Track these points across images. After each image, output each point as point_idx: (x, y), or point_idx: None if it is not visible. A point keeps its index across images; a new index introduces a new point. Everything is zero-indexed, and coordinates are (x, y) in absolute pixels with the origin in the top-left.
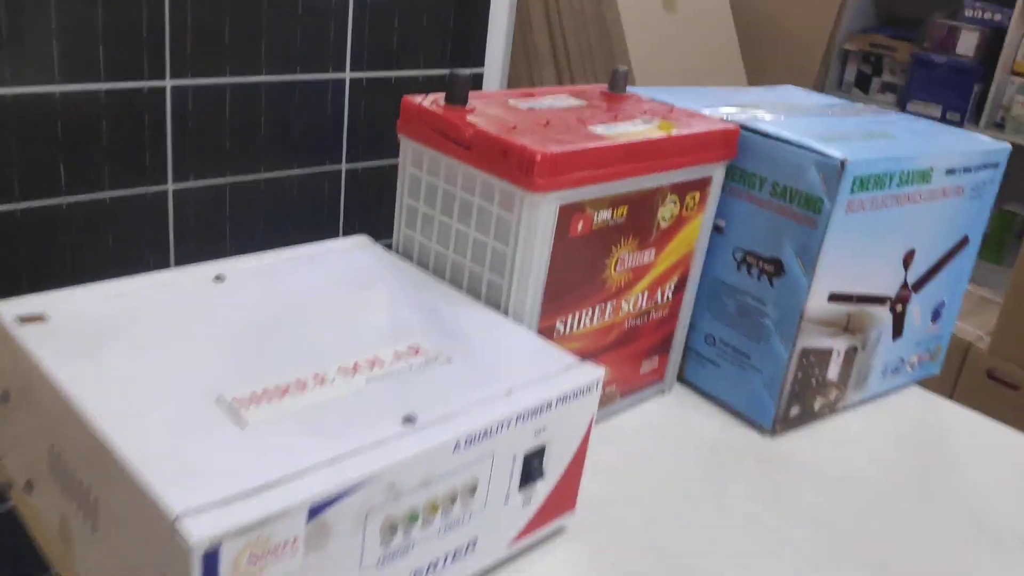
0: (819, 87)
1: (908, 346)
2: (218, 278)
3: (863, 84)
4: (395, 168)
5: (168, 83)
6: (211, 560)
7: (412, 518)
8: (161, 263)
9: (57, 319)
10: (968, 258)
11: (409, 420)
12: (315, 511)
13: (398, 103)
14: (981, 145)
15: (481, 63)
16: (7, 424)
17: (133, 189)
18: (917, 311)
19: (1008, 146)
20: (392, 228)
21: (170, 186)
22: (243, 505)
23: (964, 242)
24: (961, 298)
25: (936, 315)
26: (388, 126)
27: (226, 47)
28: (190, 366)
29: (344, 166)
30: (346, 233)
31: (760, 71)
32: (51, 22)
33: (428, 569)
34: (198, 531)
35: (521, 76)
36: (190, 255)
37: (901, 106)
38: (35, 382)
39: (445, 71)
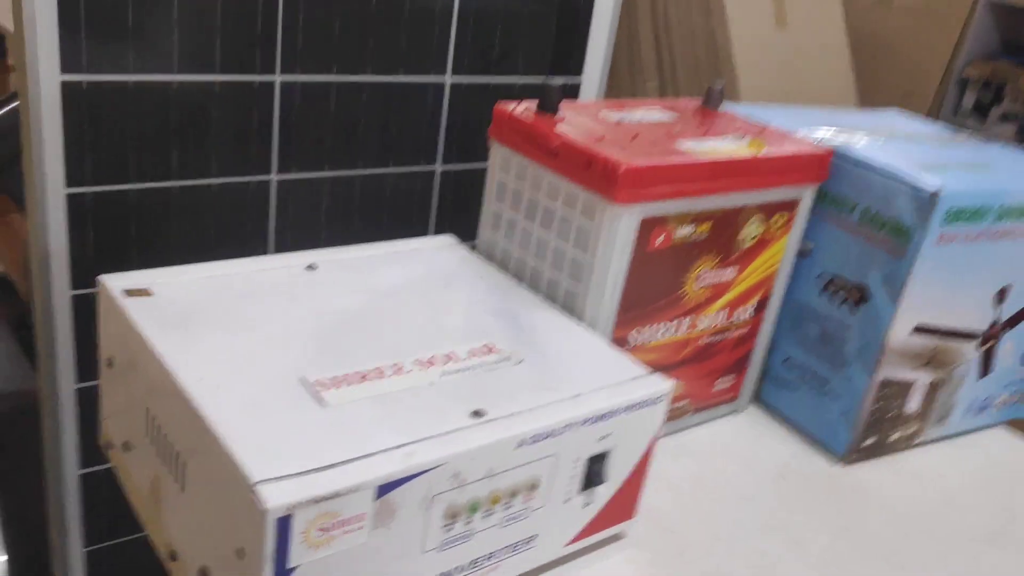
0: (934, 113)
1: (997, 385)
2: (310, 267)
3: (981, 112)
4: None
5: (278, 78)
6: (284, 525)
7: (473, 508)
8: (259, 248)
9: (161, 294)
10: None
11: (477, 414)
12: (383, 490)
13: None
14: None
15: (579, 72)
16: (111, 388)
17: (238, 177)
18: (1009, 350)
19: None
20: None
21: (273, 176)
22: (317, 478)
23: None
24: None
25: None
26: (484, 131)
27: (334, 46)
28: (278, 347)
29: (439, 167)
30: (436, 232)
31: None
32: (173, 15)
33: (487, 558)
34: (274, 498)
35: (624, 88)
36: (288, 242)
37: (1020, 138)
38: (138, 351)
39: (543, 79)
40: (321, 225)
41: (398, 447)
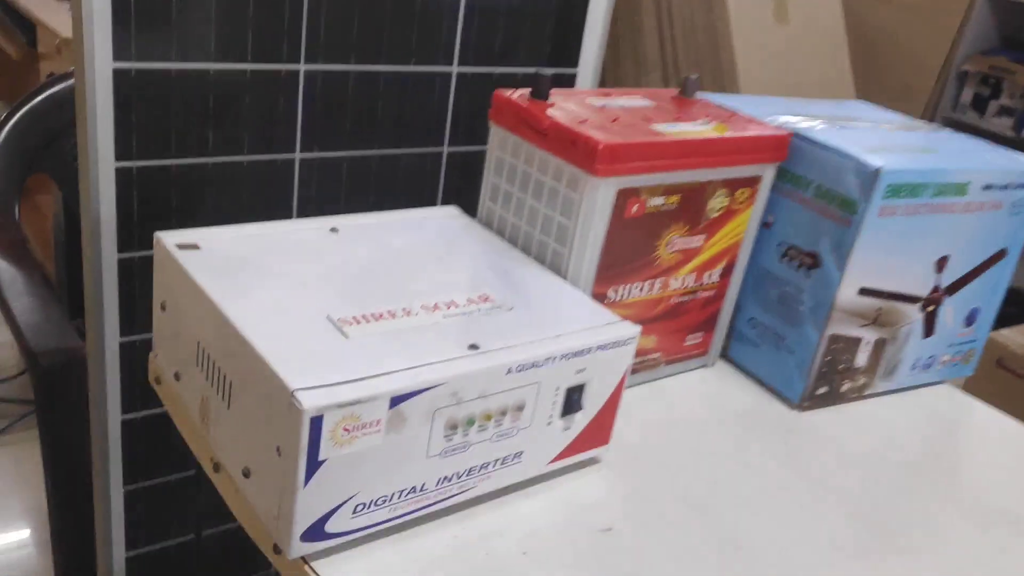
0: (932, 108)
1: (940, 346)
2: (333, 230)
3: (980, 107)
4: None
5: (302, 67)
6: (316, 423)
7: (469, 422)
8: (285, 217)
9: (207, 249)
10: (1006, 269)
11: (473, 347)
12: (395, 401)
13: None
14: (1023, 165)
15: (575, 64)
16: (163, 328)
17: (266, 155)
18: (950, 314)
19: None
20: None
21: (297, 155)
22: (342, 389)
23: (1001, 254)
24: (998, 306)
25: (970, 320)
26: (486, 117)
27: (353, 39)
28: (307, 292)
29: (446, 149)
30: (444, 204)
31: (872, 87)
32: (211, 11)
33: (480, 468)
34: (308, 401)
35: (629, 80)
36: (309, 213)
37: (1017, 131)
38: (190, 294)
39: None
40: (340, 200)
41: (408, 369)
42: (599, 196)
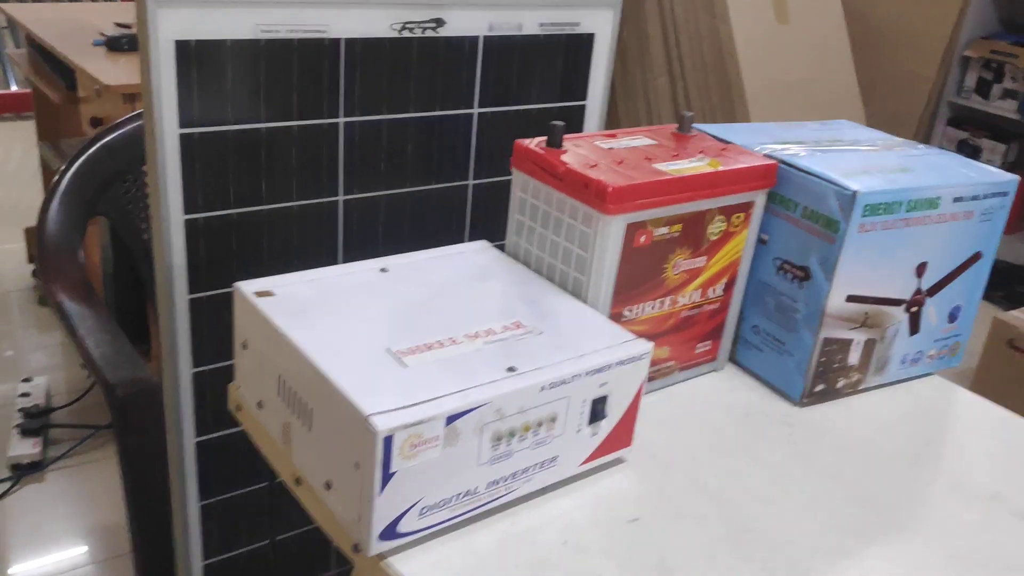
0: (937, 94)
1: (926, 341)
2: (383, 270)
3: (983, 91)
4: (509, 184)
5: (341, 120)
6: (388, 442)
7: (511, 433)
8: (332, 253)
9: (280, 294)
10: (983, 269)
11: (511, 369)
12: (450, 420)
13: (515, 132)
14: (991, 177)
15: (584, 98)
16: (245, 364)
17: (313, 200)
18: (933, 312)
19: (1016, 178)
20: (505, 231)
21: (340, 197)
22: (406, 412)
23: (977, 256)
24: (978, 302)
25: (953, 316)
26: (505, 151)
27: (384, 92)
28: (368, 328)
29: (471, 182)
30: (472, 232)
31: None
32: (261, 77)
33: (522, 472)
34: (382, 424)
35: (636, 85)
36: (354, 248)
37: (1022, 112)
38: (270, 335)
39: (554, 104)
40: (379, 233)
41: (459, 391)
42: (611, 231)
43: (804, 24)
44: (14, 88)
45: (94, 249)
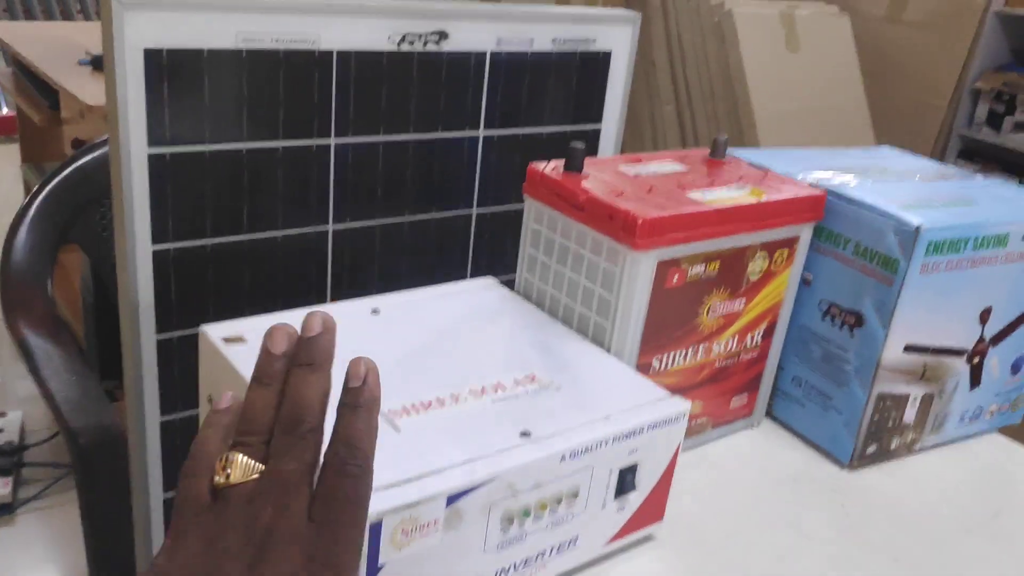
0: (948, 126)
1: (987, 396)
2: (374, 311)
3: (995, 123)
4: (517, 213)
5: (332, 141)
6: (376, 530)
7: (525, 513)
8: (320, 288)
9: (253, 341)
10: None
11: (525, 434)
12: (452, 499)
13: (524, 157)
14: None
15: (599, 120)
16: None
17: (300, 228)
18: (995, 364)
19: None
20: (513, 265)
21: (330, 226)
22: (399, 490)
23: None
24: None
25: (1016, 367)
26: (513, 177)
27: (381, 111)
28: None
29: (475, 210)
30: (474, 266)
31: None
32: (243, 90)
33: (537, 558)
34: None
35: (643, 112)
36: (344, 282)
37: None
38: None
39: (566, 127)
40: (374, 266)
41: (462, 464)
42: (640, 269)
43: (815, 52)
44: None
45: (74, 277)
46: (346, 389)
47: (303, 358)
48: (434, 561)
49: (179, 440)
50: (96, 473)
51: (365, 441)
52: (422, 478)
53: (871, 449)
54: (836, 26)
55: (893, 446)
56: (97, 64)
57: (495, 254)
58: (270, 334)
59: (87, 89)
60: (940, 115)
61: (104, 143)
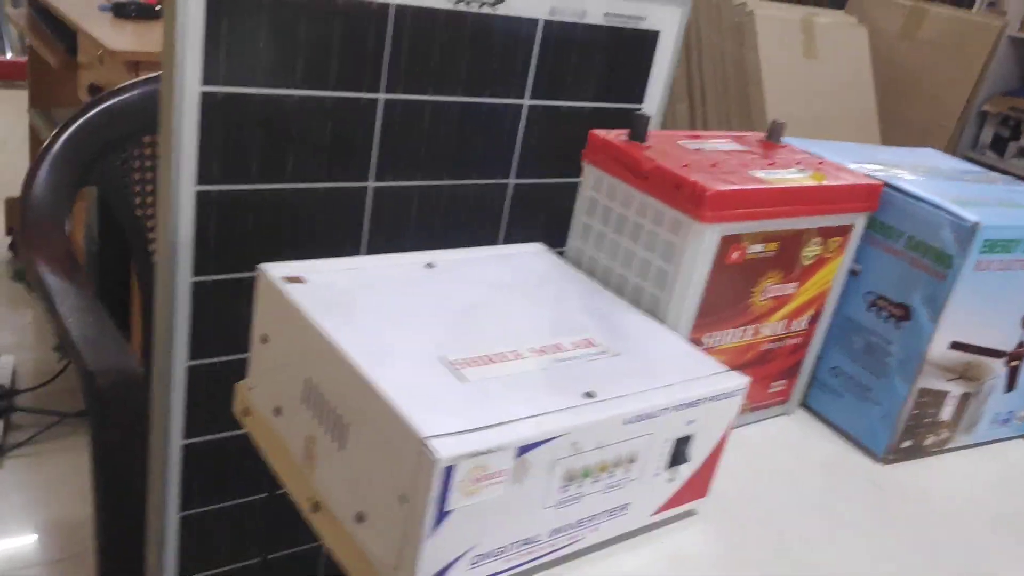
0: (952, 147)
1: (1019, 400)
2: (429, 265)
3: (999, 147)
4: (555, 186)
5: (381, 96)
6: (448, 474)
7: (586, 474)
8: (354, 245)
9: (312, 282)
10: None
11: (589, 395)
12: (522, 451)
13: (565, 129)
14: None
15: (641, 101)
16: (263, 361)
17: (341, 183)
18: None
19: None
20: (544, 239)
21: (370, 183)
22: (472, 437)
23: None
24: None
25: None
26: (553, 148)
27: (432, 70)
28: (415, 329)
29: (512, 180)
30: (507, 238)
31: (895, 125)
32: (301, 36)
33: (590, 520)
34: (443, 450)
35: None
36: (380, 241)
37: None
38: (300, 329)
39: (609, 104)
40: (409, 227)
41: (532, 416)
42: (704, 242)
43: (831, 61)
44: (9, 56)
45: (78, 227)
46: None
47: None
48: (498, 512)
49: (205, 386)
50: (113, 415)
51: None
52: (494, 427)
53: (906, 444)
54: (854, 37)
55: (927, 442)
56: (119, 11)
57: (529, 226)
58: None
59: (108, 34)
60: (947, 135)
61: (133, 86)
